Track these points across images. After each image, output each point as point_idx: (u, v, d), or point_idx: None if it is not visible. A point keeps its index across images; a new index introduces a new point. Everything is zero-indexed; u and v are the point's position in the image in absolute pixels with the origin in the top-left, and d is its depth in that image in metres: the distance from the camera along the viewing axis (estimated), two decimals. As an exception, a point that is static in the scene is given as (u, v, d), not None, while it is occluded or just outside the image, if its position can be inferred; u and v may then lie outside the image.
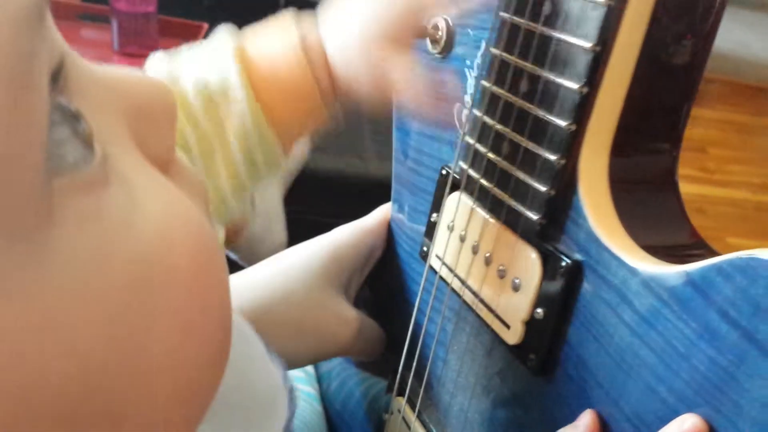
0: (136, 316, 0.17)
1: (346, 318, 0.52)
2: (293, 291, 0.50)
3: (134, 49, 1.28)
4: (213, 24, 1.46)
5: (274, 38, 0.45)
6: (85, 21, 1.37)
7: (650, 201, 0.38)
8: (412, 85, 0.42)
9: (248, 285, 0.50)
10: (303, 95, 0.44)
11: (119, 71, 0.22)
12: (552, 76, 0.36)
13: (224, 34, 0.46)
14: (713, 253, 0.35)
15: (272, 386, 0.35)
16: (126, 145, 0.20)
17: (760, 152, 2.22)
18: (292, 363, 0.52)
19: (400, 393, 0.52)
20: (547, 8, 0.36)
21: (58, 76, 0.17)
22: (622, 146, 0.36)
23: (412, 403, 0.51)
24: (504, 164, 0.39)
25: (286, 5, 1.93)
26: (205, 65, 0.44)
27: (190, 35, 1.35)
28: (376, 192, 0.59)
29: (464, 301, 0.44)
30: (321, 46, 0.45)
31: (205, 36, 1.37)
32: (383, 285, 0.57)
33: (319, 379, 0.65)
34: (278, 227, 1.12)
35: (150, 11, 1.28)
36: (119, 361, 0.17)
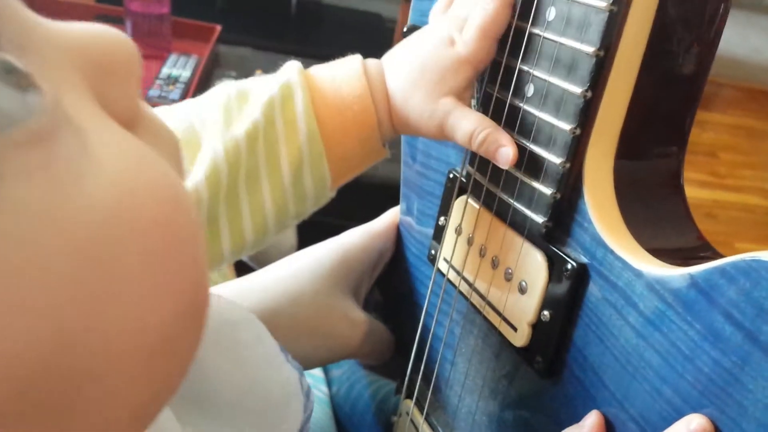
0: (95, 273, 0.16)
1: (354, 321, 0.52)
2: (302, 294, 0.50)
3: (147, 51, 1.30)
4: (226, 26, 1.47)
5: (339, 67, 0.45)
6: (101, 22, 1.38)
7: (655, 204, 0.38)
8: (474, 135, 0.40)
9: (257, 288, 0.50)
10: (361, 123, 0.43)
11: (74, 25, 0.21)
12: (556, 81, 0.36)
13: (290, 65, 0.45)
14: (719, 256, 0.35)
15: (287, 388, 0.35)
16: (81, 96, 0.19)
17: (772, 158, 2.21)
18: (302, 365, 0.52)
19: (409, 395, 0.52)
20: (550, 13, 0.36)
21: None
22: (626, 150, 0.36)
23: (420, 406, 0.51)
24: (509, 168, 0.40)
25: (298, 8, 1.95)
26: (271, 88, 0.43)
27: (203, 37, 1.36)
28: (386, 195, 0.60)
29: (472, 304, 0.44)
30: (383, 78, 0.44)
31: (218, 38, 1.39)
32: (392, 288, 0.57)
33: (329, 382, 0.65)
34: (289, 230, 1.13)
35: (164, 12, 1.29)
36: (82, 319, 0.16)
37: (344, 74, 0.44)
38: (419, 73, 0.42)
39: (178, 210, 0.19)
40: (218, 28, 1.39)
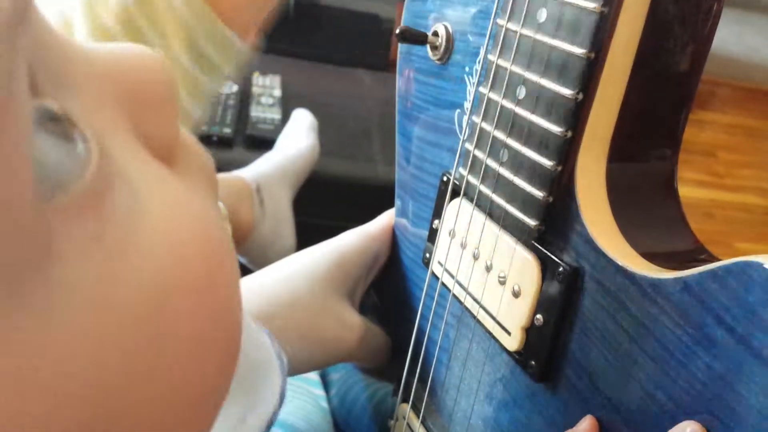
0: (150, 344, 0.15)
1: (350, 324, 0.52)
2: (297, 297, 0.50)
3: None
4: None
5: None
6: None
7: (649, 207, 0.38)
8: None
9: (253, 291, 0.50)
10: None
11: (101, 48, 0.18)
12: (547, 83, 0.36)
13: None
14: (714, 259, 0.35)
15: (263, 352, 0.34)
16: (125, 137, 0.17)
17: (771, 157, 2.21)
18: (296, 369, 0.52)
19: (405, 399, 0.52)
20: (541, 15, 0.36)
21: (35, 73, 0.14)
22: (619, 152, 0.36)
23: (416, 409, 0.51)
24: (502, 171, 0.40)
25: (296, 9, 1.95)
26: None
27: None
28: (384, 196, 0.60)
29: (466, 308, 0.44)
30: None
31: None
32: (388, 290, 0.57)
33: (326, 386, 0.65)
34: (287, 231, 1.12)
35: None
36: (137, 393, 0.15)
37: None
38: None
39: (223, 261, 0.18)
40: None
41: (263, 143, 1.16)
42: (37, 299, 0.13)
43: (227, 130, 1.14)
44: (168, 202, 0.17)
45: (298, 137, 1.10)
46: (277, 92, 1.31)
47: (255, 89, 1.30)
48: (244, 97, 1.27)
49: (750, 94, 2.62)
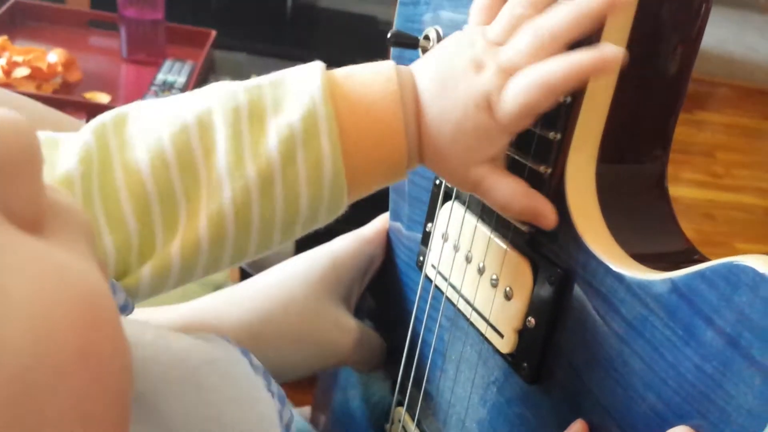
0: (23, 420, 0.16)
1: (345, 327, 0.52)
2: (292, 301, 0.50)
3: (142, 56, 1.30)
4: (221, 30, 1.46)
5: (375, 93, 0.37)
6: (95, 28, 1.39)
7: (640, 208, 0.38)
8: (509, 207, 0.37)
9: (247, 295, 0.50)
10: (390, 161, 0.37)
11: None
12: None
13: (313, 75, 0.37)
14: (705, 260, 0.35)
15: (261, 425, 0.34)
16: None
17: (770, 157, 2.21)
18: (291, 373, 0.52)
19: (400, 402, 0.52)
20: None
21: None
22: (609, 154, 0.36)
23: (411, 412, 0.51)
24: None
25: (293, 12, 1.95)
26: (292, 117, 0.35)
27: (198, 42, 1.36)
28: (379, 199, 0.60)
29: (459, 310, 0.44)
30: (416, 113, 0.37)
31: (213, 43, 1.39)
32: (382, 294, 0.57)
33: (320, 384, 0.65)
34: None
35: (158, 18, 1.29)
36: None
37: (381, 104, 0.36)
38: (454, 137, 0.36)
39: (103, 328, 0.18)
40: (213, 33, 1.39)
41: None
42: None
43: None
44: (32, 275, 0.17)
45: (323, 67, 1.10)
46: (275, 96, 1.31)
47: (253, 93, 1.30)
48: (242, 101, 1.27)
49: (748, 93, 2.62)
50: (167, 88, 1.20)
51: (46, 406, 0.16)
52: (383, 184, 0.39)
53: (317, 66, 0.37)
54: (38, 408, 0.16)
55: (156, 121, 0.35)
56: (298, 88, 0.36)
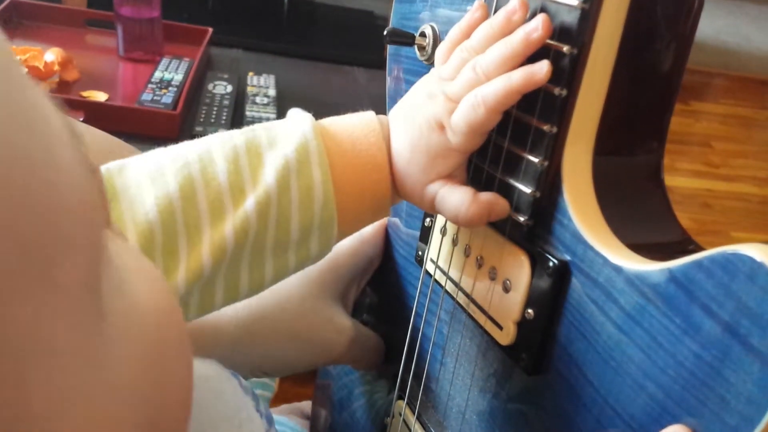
0: (160, 370, 0.22)
1: (340, 326, 0.52)
2: (288, 298, 0.51)
3: (139, 54, 1.30)
4: (217, 28, 1.46)
5: (357, 128, 0.42)
6: (93, 27, 1.39)
7: (636, 200, 0.38)
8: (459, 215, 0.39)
9: None
10: (376, 191, 0.41)
11: None
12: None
13: (302, 118, 0.41)
14: (700, 250, 0.35)
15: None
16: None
17: (765, 146, 2.21)
18: (286, 369, 0.52)
19: (401, 396, 0.53)
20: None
21: None
22: (605, 146, 0.37)
23: (412, 405, 0.51)
24: (489, 168, 0.40)
25: (290, 9, 1.95)
26: (286, 149, 0.40)
27: (195, 40, 1.36)
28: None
29: (458, 304, 0.45)
30: (388, 126, 0.42)
31: (210, 40, 1.38)
32: (382, 289, 0.58)
33: (321, 379, 0.65)
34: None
35: (154, 16, 1.29)
36: (158, 396, 0.22)
37: (364, 140, 0.41)
38: (412, 155, 0.40)
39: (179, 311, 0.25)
40: (210, 30, 1.39)
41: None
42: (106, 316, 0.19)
43: (222, 130, 1.13)
44: (145, 276, 0.24)
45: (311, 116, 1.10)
46: (272, 91, 1.30)
47: (249, 89, 1.30)
48: (239, 97, 1.27)
49: (744, 83, 2.62)
50: (164, 86, 1.20)
51: (168, 357, 0.23)
52: (370, 218, 0.43)
53: (306, 114, 0.42)
54: (168, 366, 0.23)
55: (159, 161, 0.38)
56: (290, 128, 0.40)
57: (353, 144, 0.41)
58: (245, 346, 0.49)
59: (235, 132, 0.41)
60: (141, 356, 0.21)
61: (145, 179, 0.37)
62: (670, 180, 1.90)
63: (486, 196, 0.39)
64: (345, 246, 0.54)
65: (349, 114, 0.43)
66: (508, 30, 0.36)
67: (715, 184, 1.78)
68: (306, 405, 0.72)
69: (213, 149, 0.39)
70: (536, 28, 0.34)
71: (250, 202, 0.38)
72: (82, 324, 0.17)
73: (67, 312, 0.17)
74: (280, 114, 1.20)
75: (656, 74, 0.36)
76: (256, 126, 0.41)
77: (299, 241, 0.40)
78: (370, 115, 0.43)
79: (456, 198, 0.39)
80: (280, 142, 0.40)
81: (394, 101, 0.52)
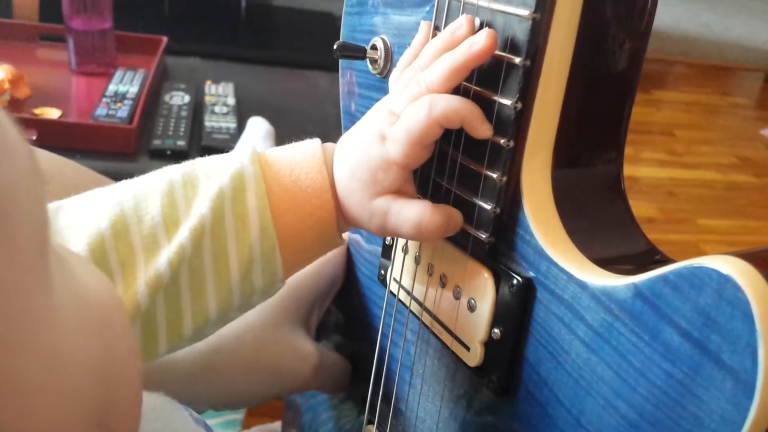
0: (109, 348, 0.24)
1: (304, 353, 0.50)
2: (247, 327, 0.49)
3: (92, 68, 1.27)
4: (173, 36, 1.43)
5: (298, 155, 0.41)
6: (45, 41, 1.35)
7: (598, 212, 0.37)
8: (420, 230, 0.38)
9: None
10: (319, 216, 0.40)
11: None
12: (486, 93, 0.35)
13: (244, 148, 0.41)
14: (667, 261, 0.34)
15: None
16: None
17: (728, 132, 2.24)
18: (248, 402, 0.50)
19: (370, 420, 0.51)
20: (475, 24, 0.35)
21: None
22: (563, 159, 0.36)
23: (381, 429, 0.50)
24: (449, 186, 0.39)
25: (248, 14, 1.92)
26: (222, 177, 0.39)
27: (149, 50, 1.33)
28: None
29: (424, 324, 0.43)
30: (333, 149, 0.41)
31: (165, 49, 1.36)
32: (346, 310, 0.56)
33: (288, 404, 0.64)
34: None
35: (106, 28, 1.26)
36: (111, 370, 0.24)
37: (304, 164, 0.40)
38: (352, 172, 0.39)
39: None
40: (164, 39, 1.36)
41: (219, 154, 1.13)
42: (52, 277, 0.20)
43: (181, 143, 1.11)
44: (91, 274, 0.26)
45: (255, 146, 1.09)
46: (231, 100, 1.28)
47: (208, 98, 1.27)
48: (198, 108, 1.25)
49: (704, 71, 2.65)
50: (119, 99, 1.17)
51: (120, 358, 0.25)
52: (317, 247, 0.42)
53: (250, 145, 0.41)
54: (115, 358, 0.25)
55: (94, 201, 0.38)
56: (228, 159, 0.40)
57: (291, 170, 0.40)
58: (203, 381, 0.47)
59: (174, 167, 0.40)
60: (89, 340, 0.22)
61: (79, 219, 0.36)
62: (634, 170, 1.93)
63: (443, 206, 0.38)
64: (306, 267, 0.52)
65: (293, 143, 0.42)
66: (452, 46, 0.36)
67: (679, 172, 1.80)
68: (278, 426, 0.70)
69: (149, 186, 0.38)
70: (479, 39, 0.34)
71: (183, 233, 0.37)
72: (38, 286, 0.19)
73: (24, 268, 0.18)
74: (241, 123, 1.18)
75: (611, 82, 0.35)
76: (198, 160, 0.40)
77: (241, 273, 0.39)
78: (313, 141, 0.42)
79: (415, 209, 0.38)
80: (217, 172, 0.39)
81: (349, 122, 0.50)
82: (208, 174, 0.39)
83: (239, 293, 0.39)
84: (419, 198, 0.40)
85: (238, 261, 0.38)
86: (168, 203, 0.38)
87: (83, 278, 0.24)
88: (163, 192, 0.38)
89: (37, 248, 0.19)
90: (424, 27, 0.39)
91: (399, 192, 0.39)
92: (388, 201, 0.38)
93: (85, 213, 0.37)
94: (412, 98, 0.36)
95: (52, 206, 0.37)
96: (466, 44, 0.34)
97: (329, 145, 0.42)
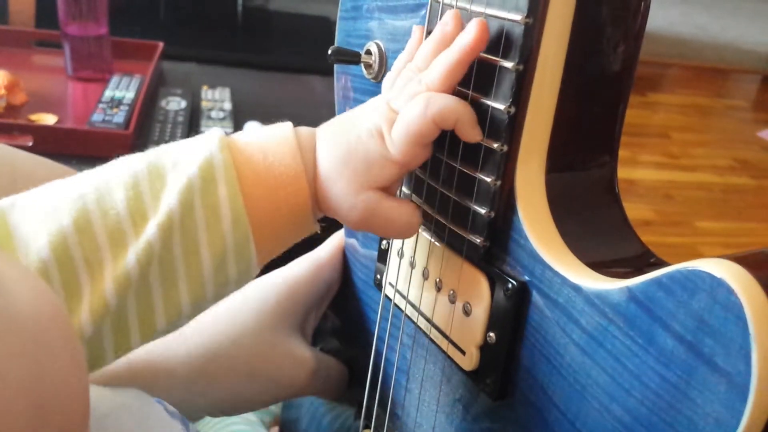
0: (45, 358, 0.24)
1: (300, 359, 0.50)
2: (243, 334, 0.48)
3: (88, 73, 1.27)
4: (169, 41, 1.43)
5: (269, 140, 0.39)
6: (42, 47, 1.35)
7: (592, 215, 0.37)
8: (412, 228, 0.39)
9: (196, 329, 0.48)
10: (294, 203, 0.38)
11: None
12: (479, 98, 0.35)
13: (211, 134, 0.39)
14: (662, 264, 0.34)
15: None
16: None
17: (724, 134, 2.24)
18: (245, 408, 0.50)
19: (367, 425, 0.51)
20: (462, 19, 0.35)
21: None
22: (557, 163, 0.36)
23: (378, 432, 0.50)
24: (443, 190, 0.39)
25: (245, 18, 1.92)
26: (189, 167, 0.36)
27: (146, 55, 1.33)
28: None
29: (420, 328, 0.43)
30: (314, 154, 0.39)
31: (162, 55, 1.36)
32: (343, 314, 0.56)
33: (286, 408, 0.64)
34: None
35: (102, 33, 1.26)
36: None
37: (276, 149, 0.38)
38: (344, 159, 0.38)
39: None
40: (160, 45, 1.36)
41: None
42: None
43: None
44: (27, 284, 0.26)
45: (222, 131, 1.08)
46: (228, 105, 1.28)
47: (204, 103, 1.27)
48: (194, 113, 1.25)
49: (699, 72, 2.66)
50: (115, 104, 1.17)
51: (58, 364, 0.25)
52: (292, 233, 0.40)
53: (216, 129, 0.39)
54: (52, 365, 0.25)
55: (54, 195, 0.36)
56: (196, 146, 0.37)
57: (265, 155, 0.38)
58: (200, 388, 0.47)
59: (137, 155, 0.38)
60: (17, 360, 0.22)
61: (38, 215, 0.34)
62: (631, 173, 1.93)
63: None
64: (301, 272, 0.52)
65: (263, 127, 0.40)
66: (444, 42, 0.36)
67: (676, 174, 1.80)
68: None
69: (111, 178, 0.36)
70: (469, 31, 0.34)
71: (151, 229, 0.35)
72: None
73: None
74: (237, 128, 1.18)
75: (605, 86, 0.36)
76: (162, 147, 0.38)
77: (214, 265, 0.37)
78: (284, 125, 0.40)
79: (406, 207, 0.38)
80: (184, 161, 0.37)
81: (343, 109, 0.50)
82: (175, 163, 0.37)
83: (213, 284, 0.38)
84: (398, 197, 0.40)
85: (210, 253, 0.37)
86: (133, 196, 0.35)
87: (14, 294, 0.24)
88: (127, 184, 0.36)
89: None
90: (417, 31, 0.39)
91: (387, 190, 0.39)
92: (376, 197, 0.38)
93: (43, 208, 0.35)
94: (413, 96, 0.37)
95: (7, 200, 0.35)
96: (458, 40, 0.35)
97: (304, 129, 0.40)
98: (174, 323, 0.38)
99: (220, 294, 0.39)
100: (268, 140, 0.39)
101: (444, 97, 0.35)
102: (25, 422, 0.22)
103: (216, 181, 0.36)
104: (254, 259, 0.38)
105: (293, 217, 0.38)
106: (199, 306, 0.38)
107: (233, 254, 0.37)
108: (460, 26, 0.36)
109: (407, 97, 0.37)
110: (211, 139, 0.38)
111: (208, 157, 0.36)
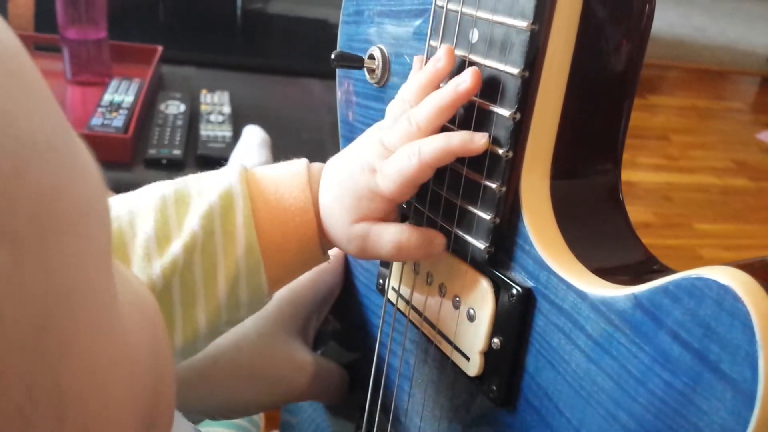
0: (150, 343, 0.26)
1: (301, 363, 0.50)
2: (244, 337, 0.48)
3: (87, 77, 1.27)
4: (168, 45, 1.43)
5: (283, 173, 0.42)
6: (40, 51, 1.35)
7: (596, 222, 0.37)
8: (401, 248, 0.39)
9: None
10: (302, 234, 0.41)
11: None
12: (484, 104, 0.35)
13: (232, 166, 0.42)
14: (667, 271, 0.34)
15: None
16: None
17: (723, 136, 2.25)
18: (245, 412, 0.50)
19: (369, 430, 0.51)
20: (473, 35, 0.35)
21: None
22: (562, 169, 0.36)
23: (381, 439, 0.50)
24: (447, 195, 0.39)
25: (244, 22, 1.92)
26: (211, 195, 0.41)
27: (145, 59, 1.33)
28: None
29: (423, 334, 0.43)
30: (321, 170, 0.43)
31: (161, 58, 1.36)
32: (344, 319, 0.56)
33: (289, 414, 0.63)
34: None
35: (101, 37, 1.26)
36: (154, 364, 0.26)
37: (288, 183, 0.42)
38: (338, 195, 0.40)
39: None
40: (160, 48, 1.36)
41: (215, 162, 1.13)
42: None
43: (177, 152, 1.10)
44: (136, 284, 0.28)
45: (250, 155, 1.08)
46: (227, 109, 1.28)
47: (203, 107, 1.27)
48: (193, 117, 1.25)
49: (697, 74, 2.66)
50: (114, 108, 1.17)
51: (165, 359, 0.28)
52: (300, 264, 0.43)
53: (237, 164, 0.43)
54: (162, 359, 0.27)
55: None
56: (218, 176, 0.41)
57: (277, 188, 0.41)
58: (200, 390, 0.47)
59: (167, 183, 0.42)
60: (145, 334, 0.24)
61: None
62: (631, 175, 1.93)
63: (425, 229, 0.40)
64: (304, 277, 0.52)
65: (282, 162, 0.44)
66: (436, 78, 0.37)
67: (675, 176, 1.80)
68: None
69: (143, 201, 0.40)
70: (464, 79, 0.35)
71: (176, 247, 0.39)
72: (108, 282, 0.21)
73: (100, 263, 0.20)
74: (236, 131, 1.18)
75: (609, 92, 0.36)
76: (191, 176, 0.42)
77: (228, 288, 0.40)
78: (299, 161, 0.43)
79: (393, 230, 0.39)
80: (207, 190, 0.41)
81: (348, 133, 0.50)
82: (200, 191, 0.41)
83: (226, 307, 0.41)
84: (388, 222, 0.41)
85: (225, 276, 0.40)
86: (161, 218, 0.39)
87: (132, 281, 0.26)
88: (157, 207, 0.40)
89: (107, 251, 0.21)
90: (417, 62, 0.40)
91: (380, 220, 0.40)
92: (366, 225, 0.40)
93: None
94: (404, 135, 0.37)
95: None
96: (452, 84, 0.36)
97: (316, 165, 0.43)
98: (190, 345, 0.41)
99: (233, 318, 0.42)
100: (282, 174, 0.42)
101: (434, 141, 0.36)
102: (148, 393, 0.24)
103: (234, 209, 0.40)
104: (265, 285, 0.41)
105: (301, 248, 0.42)
106: (214, 328, 0.41)
107: (245, 279, 0.40)
108: (453, 62, 0.37)
109: (398, 136, 0.38)
110: (233, 170, 0.41)
111: (228, 187, 0.40)
